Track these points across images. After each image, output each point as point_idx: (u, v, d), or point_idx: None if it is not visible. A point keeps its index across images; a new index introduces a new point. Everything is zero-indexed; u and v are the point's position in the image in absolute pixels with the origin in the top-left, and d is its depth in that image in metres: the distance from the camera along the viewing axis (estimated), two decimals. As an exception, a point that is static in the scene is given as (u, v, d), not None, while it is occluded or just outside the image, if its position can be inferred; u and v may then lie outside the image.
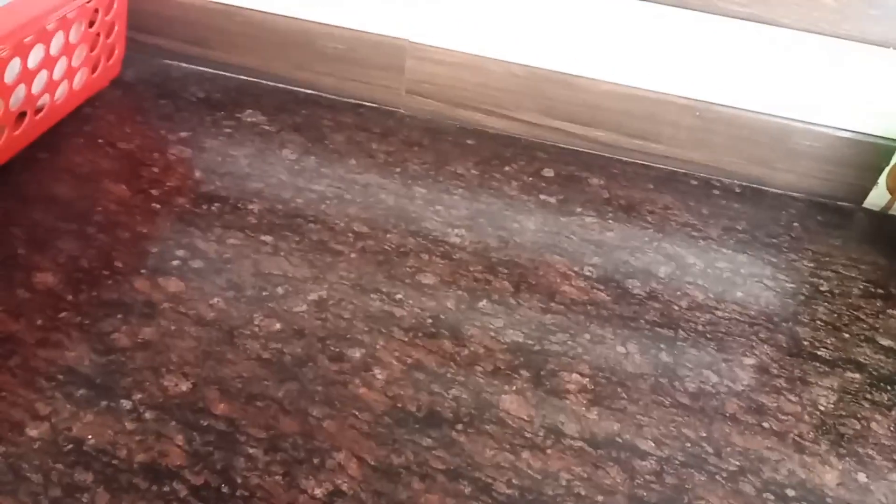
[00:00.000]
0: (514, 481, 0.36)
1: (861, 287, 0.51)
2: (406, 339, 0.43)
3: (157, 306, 0.43)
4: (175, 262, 0.46)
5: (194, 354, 0.40)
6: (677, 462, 0.38)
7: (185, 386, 0.39)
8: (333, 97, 0.64)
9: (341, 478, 0.35)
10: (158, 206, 0.50)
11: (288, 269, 0.46)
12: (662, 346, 0.45)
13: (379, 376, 0.40)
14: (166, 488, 0.34)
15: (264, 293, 0.45)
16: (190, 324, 0.42)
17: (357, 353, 0.42)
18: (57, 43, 0.52)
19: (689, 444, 0.39)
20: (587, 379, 0.42)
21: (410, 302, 0.45)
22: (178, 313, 0.43)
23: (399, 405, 0.39)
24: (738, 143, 0.59)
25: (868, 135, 0.57)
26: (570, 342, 0.44)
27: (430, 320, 0.44)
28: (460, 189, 0.55)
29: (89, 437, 0.36)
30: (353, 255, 0.48)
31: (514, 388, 0.41)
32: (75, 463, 0.35)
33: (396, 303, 0.45)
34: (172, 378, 0.39)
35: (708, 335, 0.46)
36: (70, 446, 0.35)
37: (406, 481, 0.36)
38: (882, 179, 0.58)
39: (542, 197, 0.56)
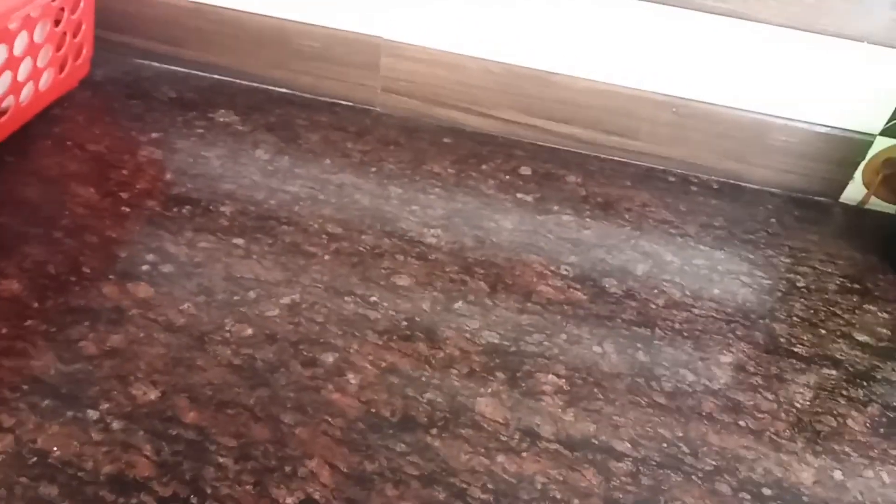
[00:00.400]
0: (488, 486, 0.36)
1: (838, 282, 0.51)
2: (380, 343, 0.42)
3: (126, 312, 0.42)
4: (144, 267, 0.45)
5: (163, 362, 0.40)
6: (653, 463, 0.38)
7: (153, 394, 0.38)
8: (308, 96, 0.63)
9: (313, 486, 0.35)
10: (128, 209, 0.49)
11: (260, 272, 0.46)
12: (639, 345, 0.44)
13: (352, 381, 0.40)
14: (134, 500, 0.33)
15: (236, 297, 0.44)
16: (159, 330, 0.41)
17: (330, 358, 0.41)
18: (21, 43, 0.51)
19: (665, 445, 0.39)
20: (563, 380, 0.42)
21: (385, 304, 0.45)
22: (148, 319, 0.42)
23: (373, 410, 0.39)
24: (715, 140, 0.59)
25: (845, 129, 0.57)
26: (546, 343, 0.44)
27: (405, 322, 0.44)
28: (437, 188, 0.55)
29: (54, 448, 0.35)
30: (326, 258, 0.47)
31: (490, 390, 0.41)
32: (40, 476, 0.34)
33: (371, 305, 0.44)
34: (141, 386, 0.38)
35: (685, 333, 0.46)
36: (34, 459, 0.34)
37: (379, 488, 0.35)
38: (858, 174, 0.58)
39: (519, 195, 0.55)
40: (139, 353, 0.40)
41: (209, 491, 0.34)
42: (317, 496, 0.34)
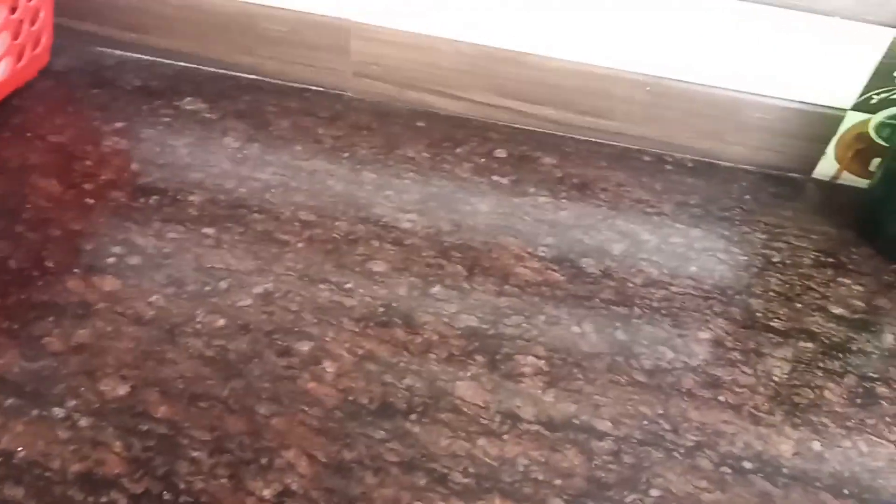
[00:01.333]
0: (470, 469, 0.36)
1: (812, 257, 0.51)
2: (357, 330, 0.41)
3: (92, 307, 0.41)
4: (111, 260, 0.44)
5: (132, 356, 0.38)
6: (635, 441, 0.38)
7: (122, 390, 0.37)
8: (277, 82, 0.62)
9: (291, 477, 0.34)
10: (92, 200, 0.48)
11: (231, 262, 0.45)
12: (618, 324, 0.44)
13: (329, 369, 0.39)
14: (104, 499, 0.32)
15: (207, 288, 0.43)
16: (127, 324, 0.40)
17: (305, 347, 0.40)
18: (-27, 31, 0.49)
19: (646, 422, 0.39)
20: (543, 361, 0.41)
21: (361, 291, 0.44)
22: (115, 313, 0.41)
23: (350, 398, 0.38)
24: (689, 118, 0.59)
25: (817, 105, 0.57)
26: (525, 324, 0.43)
27: (381, 309, 0.43)
28: (411, 173, 0.54)
29: (19, 448, 0.34)
30: (299, 245, 0.46)
31: (469, 374, 0.40)
32: (5, 477, 0.33)
33: (346, 292, 0.44)
34: (109, 382, 0.37)
35: (663, 311, 0.45)
36: (-1, 459, 0.33)
37: (359, 476, 0.34)
38: (831, 149, 0.58)
39: (495, 178, 0.55)
40: (107, 347, 0.39)
41: (182, 486, 0.33)
42: (294, 487, 0.34)
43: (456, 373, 0.40)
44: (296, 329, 0.41)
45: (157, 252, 0.45)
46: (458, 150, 0.57)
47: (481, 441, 0.37)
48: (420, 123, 0.59)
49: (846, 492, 0.37)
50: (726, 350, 0.44)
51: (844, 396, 0.42)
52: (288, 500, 0.33)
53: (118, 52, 0.62)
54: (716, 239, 0.52)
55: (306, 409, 0.37)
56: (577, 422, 0.38)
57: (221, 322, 0.41)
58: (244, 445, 0.35)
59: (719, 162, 0.60)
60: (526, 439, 0.37)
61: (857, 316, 0.47)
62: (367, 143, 0.56)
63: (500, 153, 0.57)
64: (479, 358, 0.41)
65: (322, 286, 0.44)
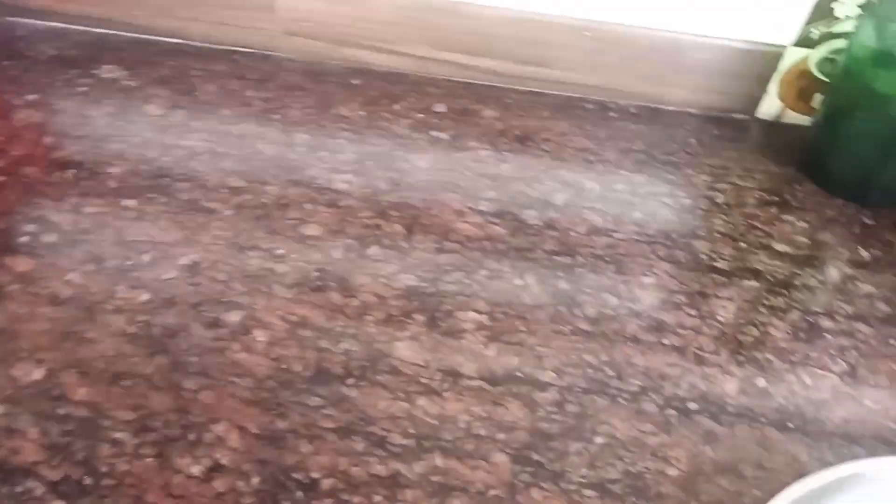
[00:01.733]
0: (410, 430, 0.34)
1: (756, 196, 0.51)
2: (290, 296, 0.40)
3: (4, 289, 0.38)
4: (24, 239, 0.41)
5: (49, 338, 0.36)
6: (579, 389, 0.37)
7: (38, 373, 0.35)
8: (203, 45, 0.58)
9: (221, 451, 0.33)
10: (3, 178, 0.45)
11: (155, 233, 0.42)
12: (560, 274, 0.43)
13: (260, 338, 0.37)
14: (19, 488, 0.30)
15: (128, 262, 0.40)
16: (43, 304, 0.38)
17: (235, 317, 0.38)
18: None
19: (590, 370, 0.38)
20: (484, 316, 0.40)
21: (294, 256, 0.42)
22: (29, 294, 0.38)
23: (284, 366, 0.36)
24: (631, 63, 0.57)
25: (757, 43, 0.56)
26: (465, 280, 0.42)
27: (315, 273, 0.41)
28: (346, 132, 0.52)
29: (-74, 442, 0.32)
30: (227, 213, 0.44)
31: (409, 333, 0.39)
32: (-89, 473, 0.31)
33: (278, 258, 0.42)
34: (23, 366, 0.35)
35: (607, 258, 0.45)
36: None
37: (293, 445, 0.33)
38: (773, 87, 0.58)
39: (434, 133, 0.53)
40: (20, 331, 0.36)
41: (104, 469, 0.31)
42: (225, 461, 0.32)
43: (394, 334, 0.39)
44: (224, 299, 0.39)
45: (74, 228, 0.42)
46: (396, 107, 0.55)
47: (421, 401, 0.36)
48: (355, 81, 0.57)
49: (791, 425, 0.37)
50: (671, 293, 0.43)
51: (789, 332, 0.42)
52: (218, 475, 0.32)
53: (31, 21, 0.58)
54: (660, 184, 0.51)
55: (237, 380, 0.35)
56: (519, 374, 0.37)
57: (145, 297, 0.39)
58: (170, 422, 0.33)
59: (663, 107, 0.59)
60: (467, 395, 0.36)
61: (800, 252, 0.47)
62: (300, 104, 0.54)
63: (440, 108, 0.55)
64: (419, 317, 0.40)
65: (252, 253, 0.42)
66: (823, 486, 0.28)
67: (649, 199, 0.49)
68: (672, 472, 0.34)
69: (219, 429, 0.33)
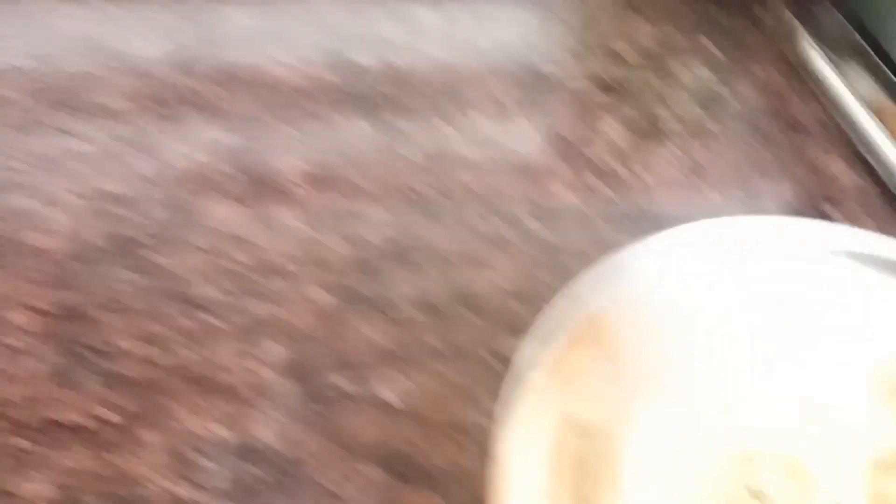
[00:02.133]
0: (226, 286, 0.32)
1: None
2: (91, 173, 0.36)
3: None
4: None
5: None
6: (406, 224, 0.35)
7: None
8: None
9: (10, 335, 0.30)
10: None
11: (-68, 129, 0.38)
12: (390, 115, 0.40)
13: (58, 218, 0.34)
14: None
15: None
16: None
17: (24, 203, 0.35)
18: None
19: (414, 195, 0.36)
20: (312, 166, 0.37)
21: (97, 134, 0.38)
22: None
23: (83, 241, 0.33)
24: None
25: None
26: (291, 132, 0.39)
27: (123, 148, 0.38)
28: (155, -3, 0.46)
29: None
30: (16, 97, 0.40)
31: (227, 195, 0.36)
32: None
33: (78, 137, 0.38)
34: None
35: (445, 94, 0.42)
36: None
37: (94, 317, 0.31)
38: None
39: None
40: None
41: None
42: (20, 345, 0.30)
43: (211, 195, 0.36)
44: (13, 184, 0.35)
45: None
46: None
47: (241, 256, 0.33)
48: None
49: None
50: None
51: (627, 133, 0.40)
52: (11, 359, 0.29)
53: None
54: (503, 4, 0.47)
55: (30, 264, 0.32)
56: (345, 220, 0.35)
57: (-78, 194, 0.35)
58: (-43, 315, 0.30)
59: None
60: (286, 239, 0.34)
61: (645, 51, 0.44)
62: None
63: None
64: (240, 177, 0.37)
65: (49, 130, 0.38)
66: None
67: (492, 23, 0.46)
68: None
69: (10, 315, 0.31)
